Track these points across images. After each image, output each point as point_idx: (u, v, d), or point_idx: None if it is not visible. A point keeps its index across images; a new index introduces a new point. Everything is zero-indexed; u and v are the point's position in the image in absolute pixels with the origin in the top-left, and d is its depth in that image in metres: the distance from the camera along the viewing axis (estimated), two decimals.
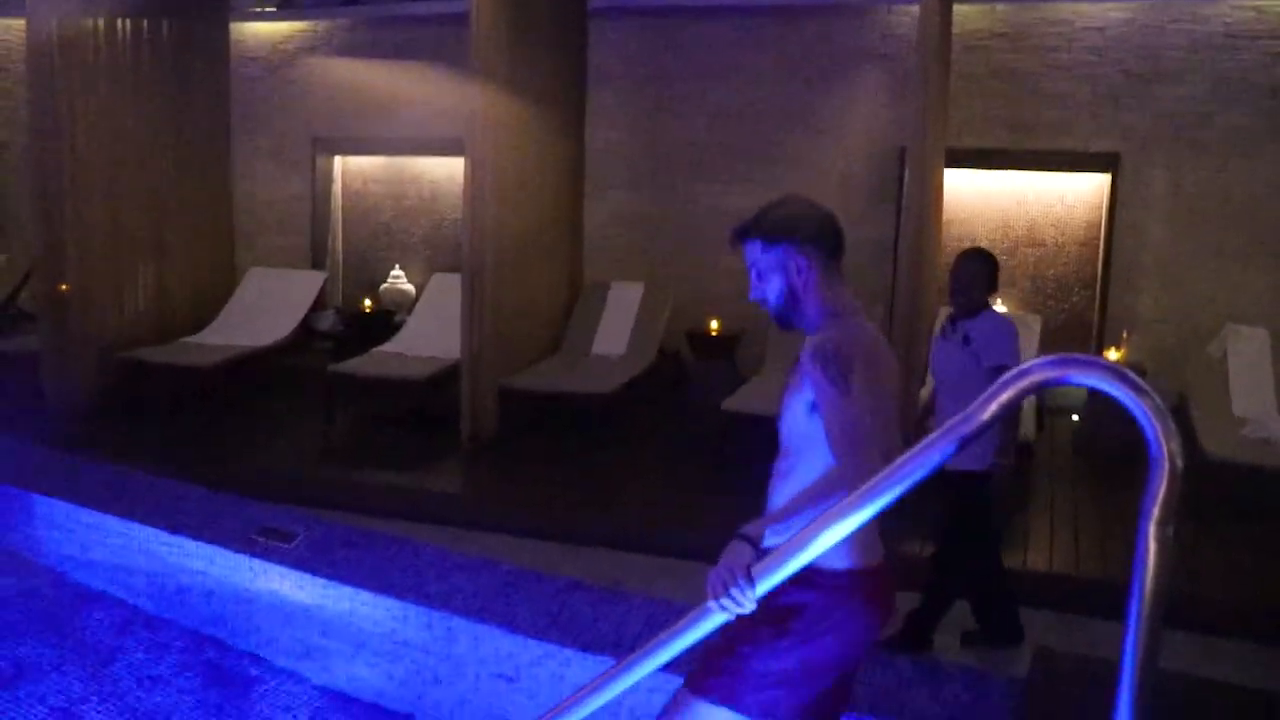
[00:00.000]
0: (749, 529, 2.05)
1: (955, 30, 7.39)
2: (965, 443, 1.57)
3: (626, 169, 9.44)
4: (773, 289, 2.27)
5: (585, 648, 3.38)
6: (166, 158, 9.15)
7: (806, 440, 2.19)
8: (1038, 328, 7.81)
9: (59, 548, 4.69)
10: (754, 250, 2.28)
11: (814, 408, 2.13)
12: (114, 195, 8.52)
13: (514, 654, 3.52)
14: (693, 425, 7.73)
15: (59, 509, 4.68)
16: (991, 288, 4.43)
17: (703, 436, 7.31)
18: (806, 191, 9.06)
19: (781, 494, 2.25)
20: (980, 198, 8.74)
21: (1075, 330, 8.57)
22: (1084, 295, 8.59)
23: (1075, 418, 7.60)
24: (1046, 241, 8.63)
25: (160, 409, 8.08)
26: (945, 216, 7.63)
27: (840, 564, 2.18)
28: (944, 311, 6.30)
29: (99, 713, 3.62)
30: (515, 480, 6.88)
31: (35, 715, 3.60)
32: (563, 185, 8.84)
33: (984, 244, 8.68)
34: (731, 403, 6.95)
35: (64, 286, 8.15)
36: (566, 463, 7.18)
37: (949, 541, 4.54)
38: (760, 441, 7.08)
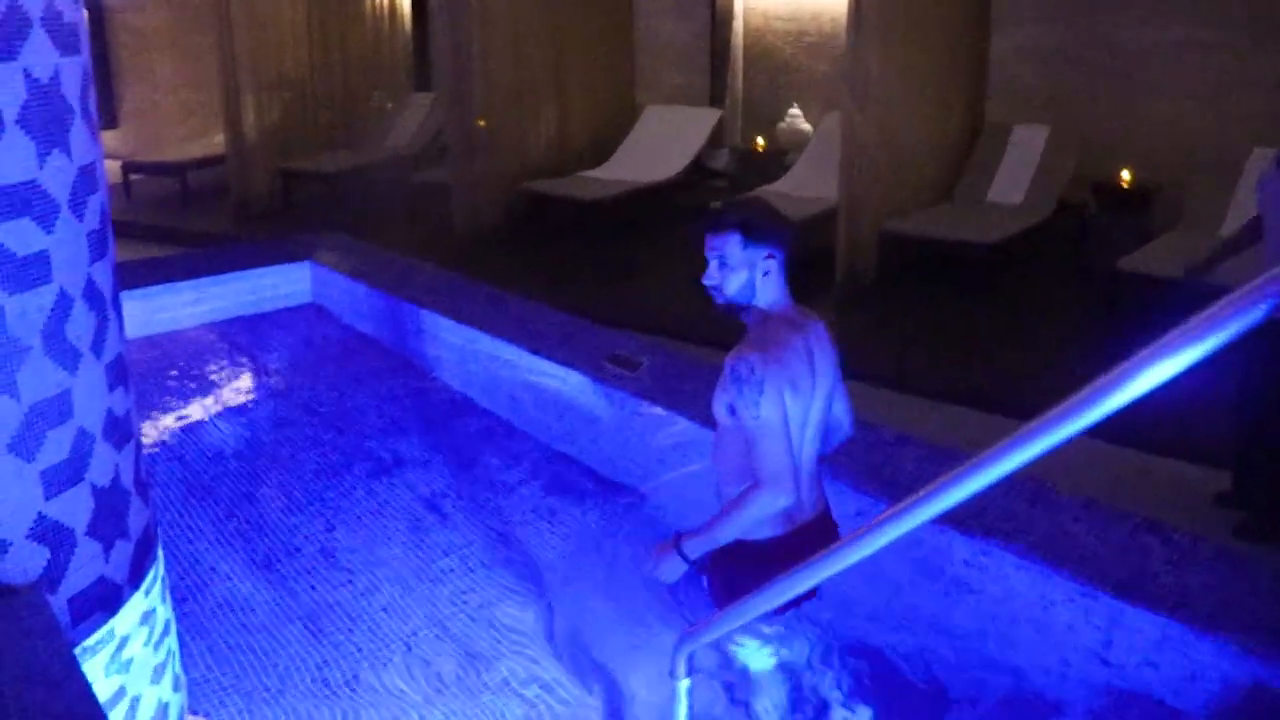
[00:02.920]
0: (685, 542, 2.57)
1: None
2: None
3: None
4: (735, 283, 2.49)
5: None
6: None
7: (726, 429, 2.55)
8: None
9: (443, 358, 5.17)
10: (730, 244, 2.47)
11: (732, 411, 2.46)
12: (518, 38, 8.98)
13: (831, 505, 3.44)
14: (1087, 285, 7.07)
15: (444, 324, 5.14)
16: None
17: (1095, 298, 6.67)
18: (1245, 20, 7.57)
19: (716, 458, 2.65)
20: None
21: None
22: None
23: None
24: None
25: (554, 238, 8.61)
26: None
27: (762, 535, 2.57)
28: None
29: (454, 508, 4.00)
30: (882, 330, 6.66)
31: (403, 500, 4.05)
32: (963, 16, 8.17)
33: None
34: (1129, 262, 6.25)
35: (481, 122, 8.80)
36: (941, 315, 6.85)
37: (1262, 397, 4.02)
38: (1156, 307, 6.36)
